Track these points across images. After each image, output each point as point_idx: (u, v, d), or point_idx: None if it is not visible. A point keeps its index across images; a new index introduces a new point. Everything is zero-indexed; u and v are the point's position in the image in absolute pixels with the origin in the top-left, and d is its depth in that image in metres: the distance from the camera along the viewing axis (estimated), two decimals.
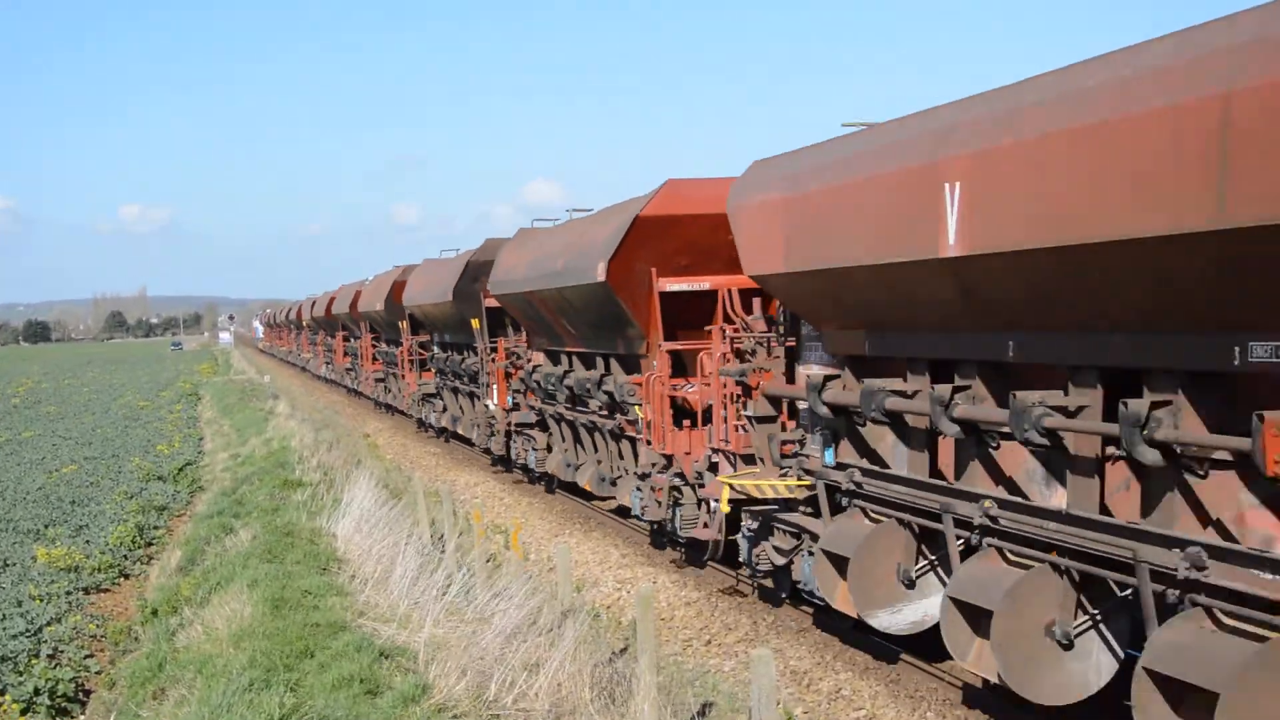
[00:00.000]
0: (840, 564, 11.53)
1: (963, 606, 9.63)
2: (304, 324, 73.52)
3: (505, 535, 17.13)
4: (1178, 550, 7.70)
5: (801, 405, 12.94)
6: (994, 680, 9.35)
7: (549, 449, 23.00)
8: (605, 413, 18.98)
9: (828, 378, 11.91)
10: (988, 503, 9.53)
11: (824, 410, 11.83)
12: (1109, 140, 7.50)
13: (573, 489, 22.71)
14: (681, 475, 16.18)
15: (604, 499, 20.69)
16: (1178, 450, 7.79)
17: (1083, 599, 9.05)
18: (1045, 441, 8.71)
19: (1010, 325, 9.19)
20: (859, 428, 11.80)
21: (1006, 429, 9.12)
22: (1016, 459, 9.83)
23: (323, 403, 51.05)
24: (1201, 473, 7.83)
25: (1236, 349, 7.23)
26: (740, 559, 14.52)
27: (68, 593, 15.64)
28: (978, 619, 9.56)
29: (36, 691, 11.69)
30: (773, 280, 12.49)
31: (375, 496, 17.51)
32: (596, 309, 17.80)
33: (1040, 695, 9.04)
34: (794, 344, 13.42)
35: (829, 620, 13.17)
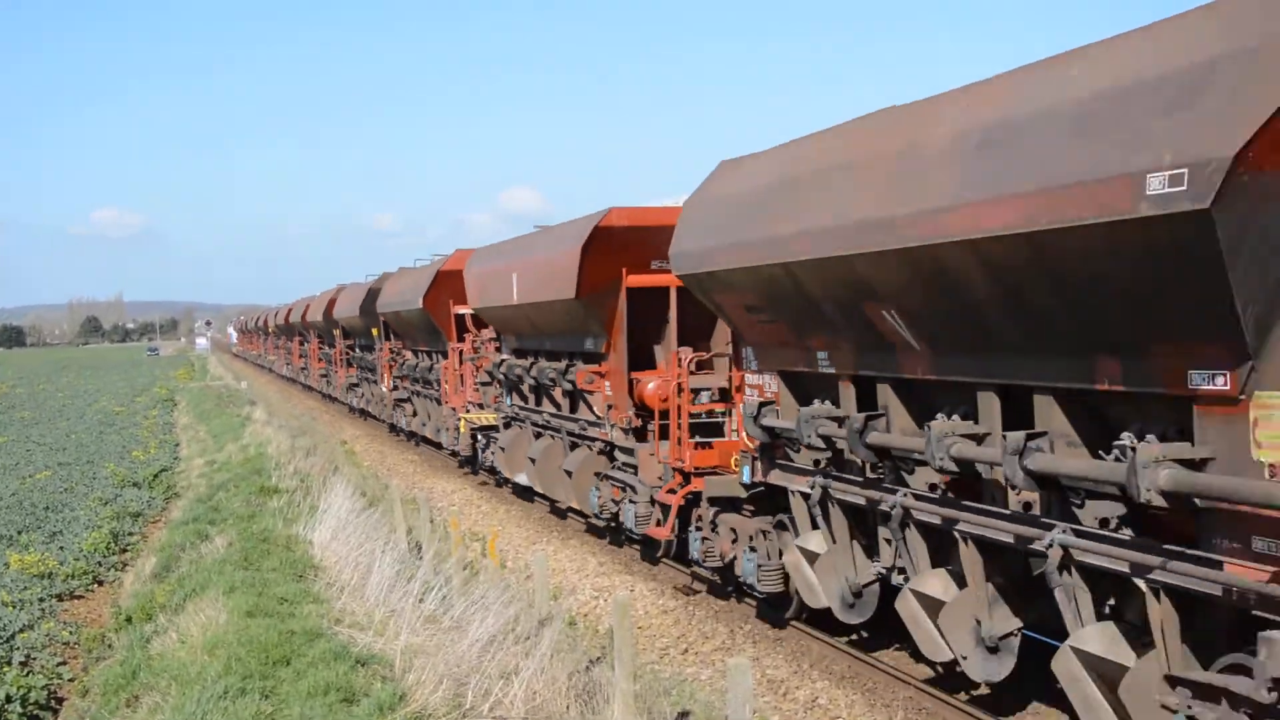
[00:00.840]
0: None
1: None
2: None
3: (482, 543, 17.12)
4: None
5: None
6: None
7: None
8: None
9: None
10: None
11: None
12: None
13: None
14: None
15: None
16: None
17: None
18: None
19: None
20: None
21: None
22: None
23: (300, 409, 50.87)
24: None
25: None
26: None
27: (41, 599, 15.53)
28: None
29: (8, 699, 11.60)
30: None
31: (352, 503, 17.45)
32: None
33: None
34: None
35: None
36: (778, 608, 13.96)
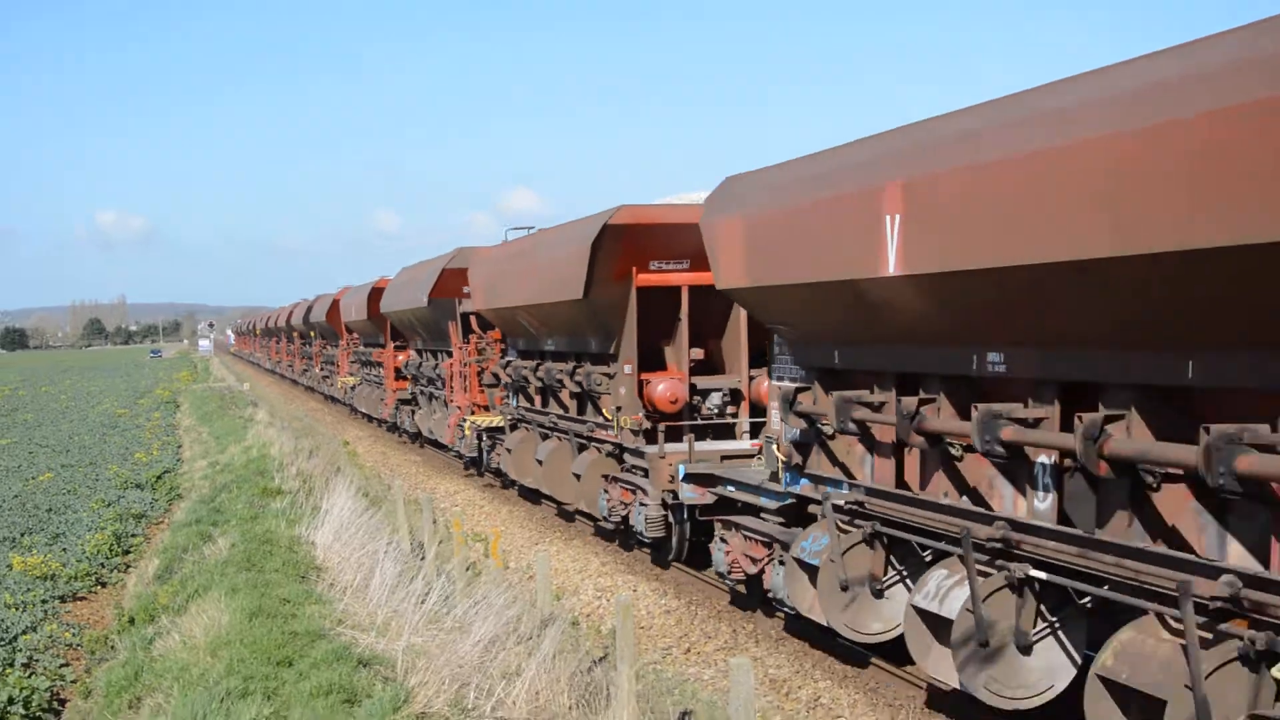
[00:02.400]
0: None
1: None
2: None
3: (485, 543, 17.11)
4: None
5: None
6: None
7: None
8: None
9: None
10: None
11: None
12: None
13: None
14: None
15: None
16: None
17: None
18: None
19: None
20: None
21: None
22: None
23: (302, 410, 50.91)
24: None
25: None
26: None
27: (43, 601, 15.54)
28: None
29: (11, 701, 11.60)
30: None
31: (354, 504, 17.45)
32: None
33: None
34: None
35: (799, 625, 13.29)
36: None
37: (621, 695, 9.19)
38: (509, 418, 23.48)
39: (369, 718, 9.27)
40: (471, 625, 11.26)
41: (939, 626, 9.78)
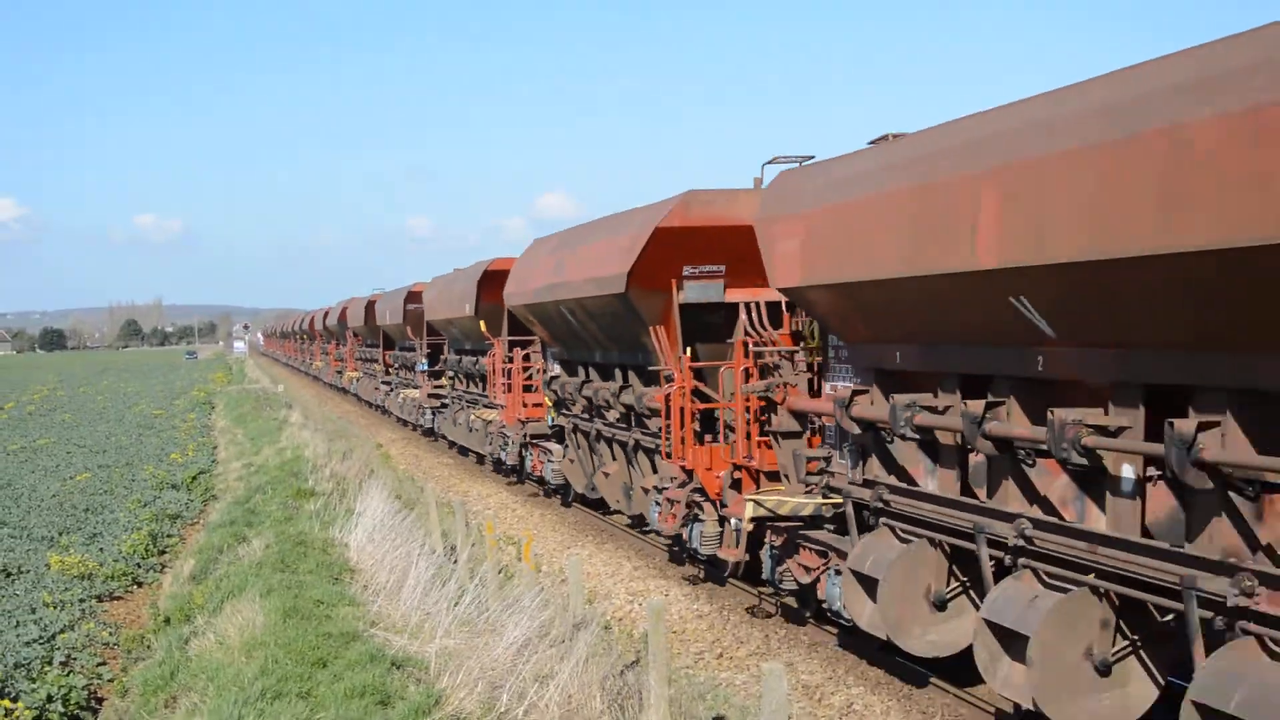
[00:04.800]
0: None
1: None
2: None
3: (517, 547, 17.12)
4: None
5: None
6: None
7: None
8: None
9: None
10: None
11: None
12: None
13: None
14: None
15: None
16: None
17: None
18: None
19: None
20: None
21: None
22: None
23: (336, 413, 51.19)
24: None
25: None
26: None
27: (81, 600, 15.69)
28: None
29: (49, 699, 11.72)
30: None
31: (388, 507, 17.53)
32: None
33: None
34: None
35: (853, 640, 12.95)
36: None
37: (654, 700, 9.18)
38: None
39: (402, 719, 9.31)
40: (504, 628, 11.28)
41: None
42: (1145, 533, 8.52)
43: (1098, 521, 9.06)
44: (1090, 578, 8.80)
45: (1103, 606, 8.83)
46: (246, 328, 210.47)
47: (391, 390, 44.19)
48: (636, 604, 15.83)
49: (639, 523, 19.87)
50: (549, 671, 10.10)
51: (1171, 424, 7.63)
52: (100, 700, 12.60)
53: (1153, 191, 7.25)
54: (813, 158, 13.09)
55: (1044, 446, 8.92)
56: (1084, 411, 8.65)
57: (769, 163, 14.19)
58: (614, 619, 14.77)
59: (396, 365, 43.88)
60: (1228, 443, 7.51)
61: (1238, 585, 7.35)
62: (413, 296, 37.38)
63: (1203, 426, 7.53)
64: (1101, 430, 8.50)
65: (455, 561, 14.58)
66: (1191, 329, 7.55)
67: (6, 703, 11.11)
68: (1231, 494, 7.62)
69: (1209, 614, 7.63)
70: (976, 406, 9.62)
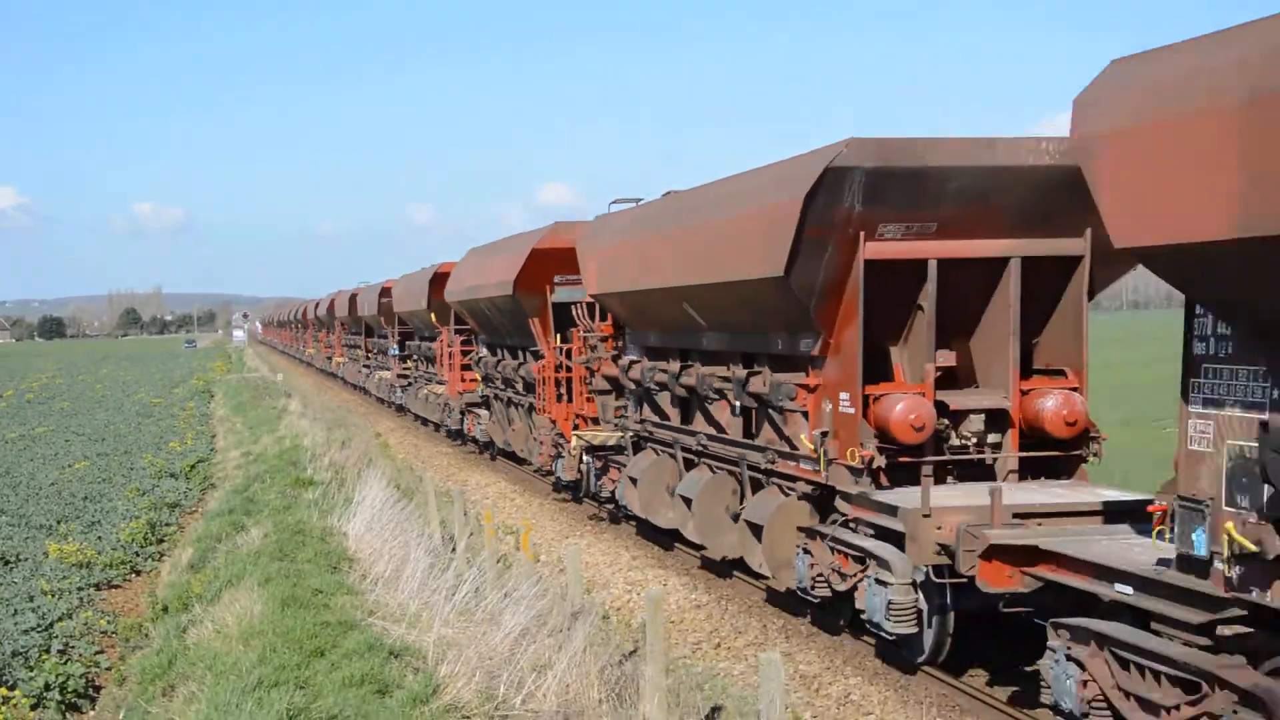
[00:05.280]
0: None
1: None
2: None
3: (515, 536, 17.15)
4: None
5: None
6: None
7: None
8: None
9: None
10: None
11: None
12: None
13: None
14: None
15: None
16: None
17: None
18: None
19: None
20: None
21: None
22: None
23: (335, 402, 51.23)
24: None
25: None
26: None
27: (79, 588, 15.70)
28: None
29: (47, 687, 11.74)
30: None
31: (386, 496, 17.52)
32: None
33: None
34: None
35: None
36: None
37: (651, 689, 9.19)
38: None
39: (400, 708, 9.31)
40: (502, 617, 11.29)
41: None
42: (747, 435, 14.98)
43: (737, 432, 15.16)
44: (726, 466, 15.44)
45: (733, 481, 15.19)
46: (246, 316, 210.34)
47: (370, 372, 50.38)
48: (635, 594, 15.85)
49: (545, 472, 24.24)
50: (547, 661, 10.12)
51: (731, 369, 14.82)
52: (98, 689, 12.62)
53: (726, 248, 13.70)
54: (641, 199, 18.52)
55: (700, 390, 15.53)
56: (714, 369, 15.40)
57: (614, 201, 19.45)
58: (612, 609, 14.79)
59: (374, 351, 50.57)
60: (765, 381, 13.87)
61: (767, 458, 13.91)
62: (385, 292, 43.46)
63: (753, 373, 14.23)
64: (724, 380, 14.98)
65: (453, 551, 14.58)
66: (749, 321, 14.12)
67: (4, 690, 11.13)
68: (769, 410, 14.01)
69: (757, 474, 14.39)
70: (674, 367, 16.46)
